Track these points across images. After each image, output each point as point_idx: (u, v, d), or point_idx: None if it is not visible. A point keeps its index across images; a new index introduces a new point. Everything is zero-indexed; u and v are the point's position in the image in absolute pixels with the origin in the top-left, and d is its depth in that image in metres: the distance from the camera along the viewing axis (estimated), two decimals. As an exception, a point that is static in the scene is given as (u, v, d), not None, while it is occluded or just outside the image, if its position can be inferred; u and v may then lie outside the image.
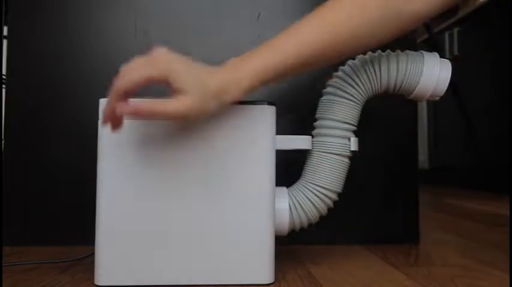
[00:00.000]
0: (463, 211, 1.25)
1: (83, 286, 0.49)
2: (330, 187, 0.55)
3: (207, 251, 0.49)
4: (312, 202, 0.55)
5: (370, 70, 0.55)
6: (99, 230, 0.49)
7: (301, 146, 0.55)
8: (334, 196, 0.56)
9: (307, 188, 0.55)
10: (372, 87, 0.56)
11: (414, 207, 0.75)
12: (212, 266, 0.50)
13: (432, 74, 0.54)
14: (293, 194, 0.55)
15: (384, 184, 0.74)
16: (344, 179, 0.56)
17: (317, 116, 0.57)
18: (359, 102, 0.56)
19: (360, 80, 0.55)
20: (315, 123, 0.57)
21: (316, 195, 0.55)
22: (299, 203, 0.55)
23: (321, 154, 0.55)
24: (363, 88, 0.55)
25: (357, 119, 0.56)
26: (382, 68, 0.55)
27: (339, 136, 0.55)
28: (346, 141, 0.55)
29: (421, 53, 0.56)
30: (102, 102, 0.49)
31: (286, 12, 0.74)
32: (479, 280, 0.53)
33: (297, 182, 0.57)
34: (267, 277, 0.50)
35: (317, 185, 0.55)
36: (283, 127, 0.70)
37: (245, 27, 0.73)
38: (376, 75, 0.55)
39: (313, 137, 0.56)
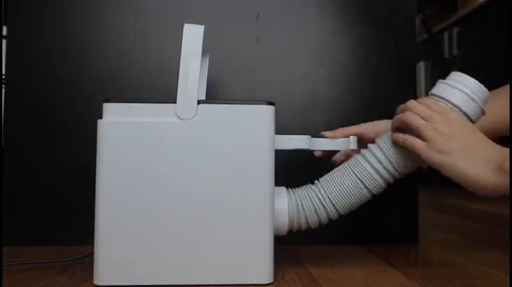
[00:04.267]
0: (463, 211, 1.25)
1: (82, 286, 0.49)
2: (339, 208, 0.54)
3: (206, 251, 0.49)
4: (315, 209, 0.54)
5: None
6: (99, 230, 0.49)
7: (301, 146, 0.55)
8: (337, 216, 0.55)
9: (317, 196, 0.54)
10: None
11: (414, 207, 0.75)
12: (211, 266, 0.49)
13: None
14: (299, 196, 0.54)
15: (383, 184, 0.74)
16: (354, 208, 0.55)
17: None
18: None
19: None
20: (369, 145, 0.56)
21: (323, 205, 0.54)
22: (302, 206, 0.54)
23: (353, 175, 0.54)
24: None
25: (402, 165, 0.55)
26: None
27: (381, 174, 0.53)
28: (382, 182, 0.54)
29: None
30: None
31: (285, 12, 0.74)
32: (479, 280, 0.52)
33: (309, 185, 0.56)
34: (266, 277, 0.50)
35: (329, 199, 0.54)
36: (283, 127, 0.70)
37: (244, 27, 0.73)
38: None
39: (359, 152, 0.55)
